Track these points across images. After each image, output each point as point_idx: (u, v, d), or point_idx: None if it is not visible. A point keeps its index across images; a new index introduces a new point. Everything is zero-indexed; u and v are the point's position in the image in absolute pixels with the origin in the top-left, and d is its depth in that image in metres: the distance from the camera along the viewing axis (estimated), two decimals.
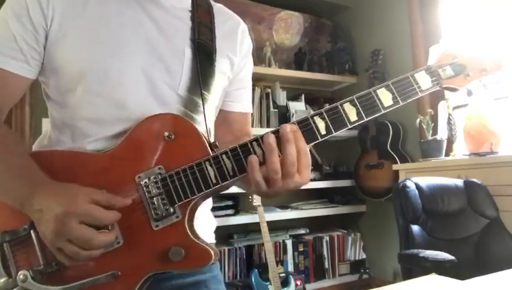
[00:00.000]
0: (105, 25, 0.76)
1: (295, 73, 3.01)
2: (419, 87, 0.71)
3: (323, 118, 0.69)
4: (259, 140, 0.68)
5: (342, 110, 0.69)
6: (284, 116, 2.90)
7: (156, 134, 0.71)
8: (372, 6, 3.07)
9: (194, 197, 0.69)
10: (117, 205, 0.65)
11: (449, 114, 2.35)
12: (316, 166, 3.00)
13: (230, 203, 2.65)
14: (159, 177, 0.69)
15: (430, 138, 2.40)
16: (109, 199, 0.65)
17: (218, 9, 0.92)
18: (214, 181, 0.68)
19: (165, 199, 0.69)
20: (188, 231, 0.69)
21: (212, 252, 0.69)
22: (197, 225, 0.73)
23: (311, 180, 2.92)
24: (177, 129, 0.71)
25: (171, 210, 0.69)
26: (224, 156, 0.68)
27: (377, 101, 0.69)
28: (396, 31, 2.85)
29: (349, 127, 0.69)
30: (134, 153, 0.71)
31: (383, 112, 0.70)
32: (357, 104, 0.69)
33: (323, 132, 0.68)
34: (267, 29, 3.12)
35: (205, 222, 0.85)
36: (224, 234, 2.77)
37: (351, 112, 0.69)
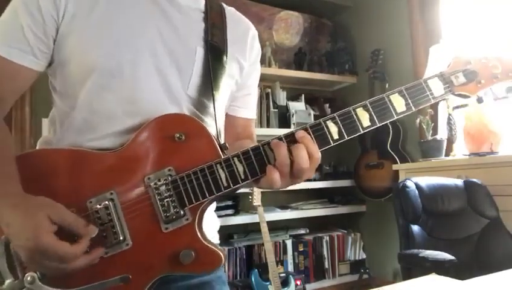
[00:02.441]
0: (118, 19, 0.75)
1: (295, 73, 3.01)
2: (432, 94, 0.70)
3: (335, 123, 0.68)
4: (270, 143, 0.68)
5: (354, 115, 0.68)
6: (284, 116, 2.90)
7: (166, 134, 0.70)
8: (372, 6, 3.07)
9: (205, 200, 0.68)
10: (84, 235, 0.63)
11: (449, 114, 2.35)
12: None
13: (230, 203, 2.65)
14: (169, 179, 0.69)
15: (430, 138, 2.40)
16: (77, 227, 0.63)
17: (230, 12, 0.92)
18: (226, 184, 0.68)
19: (175, 202, 0.68)
20: (198, 234, 0.69)
21: (222, 256, 0.69)
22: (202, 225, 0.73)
23: (311, 180, 2.92)
24: (187, 130, 0.70)
25: (181, 213, 0.68)
26: (236, 159, 0.68)
27: (390, 106, 0.69)
28: (396, 31, 2.85)
29: (361, 132, 0.68)
30: (143, 153, 0.70)
31: (396, 117, 0.69)
32: (370, 109, 0.68)
33: (335, 136, 0.68)
34: (267, 29, 3.12)
35: (209, 222, 0.84)
36: (224, 234, 2.76)
37: (363, 117, 0.68)
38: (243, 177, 0.68)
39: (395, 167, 2.52)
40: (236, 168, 0.68)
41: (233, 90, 0.90)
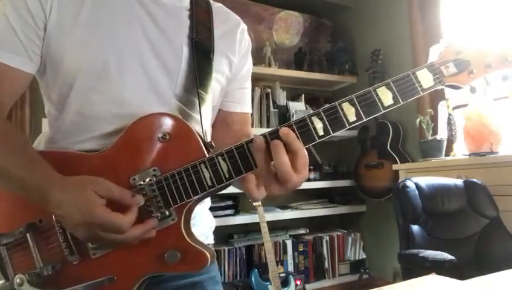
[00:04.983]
0: (103, 21, 0.75)
1: (295, 73, 3.01)
2: (420, 85, 0.67)
3: (321, 118, 0.66)
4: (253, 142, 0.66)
5: (340, 110, 0.66)
6: (284, 116, 2.90)
7: (151, 134, 0.70)
8: (372, 6, 3.07)
9: (190, 199, 0.68)
10: (132, 205, 0.65)
11: (449, 114, 2.35)
12: (316, 166, 2.99)
13: (230, 203, 2.65)
14: (154, 179, 0.68)
15: (430, 138, 2.40)
16: (123, 198, 0.65)
17: (217, 8, 0.91)
18: (210, 184, 0.67)
19: (160, 202, 0.68)
20: (184, 234, 0.68)
21: (208, 256, 0.68)
22: (195, 224, 0.73)
23: (311, 180, 2.92)
24: (172, 130, 0.70)
25: (167, 213, 0.68)
26: (219, 158, 0.67)
27: (377, 100, 0.66)
28: (396, 31, 2.85)
29: (348, 127, 0.66)
30: (128, 154, 0.70)
31: (383, 111, 0.67)
32: (356, 103, 0.66)
33: (320, 132, 0.66)
34: (267, 29, 3.12)
35: (203, 222, 0.85)
36: (224, 234, 2.77)
37: (349, 111, 0.66)
38: (227, 176, 0.67)
39: (395, 167, 2.51)
40: (221, 167, 0.67)
41: (224, 85, 0.89)
